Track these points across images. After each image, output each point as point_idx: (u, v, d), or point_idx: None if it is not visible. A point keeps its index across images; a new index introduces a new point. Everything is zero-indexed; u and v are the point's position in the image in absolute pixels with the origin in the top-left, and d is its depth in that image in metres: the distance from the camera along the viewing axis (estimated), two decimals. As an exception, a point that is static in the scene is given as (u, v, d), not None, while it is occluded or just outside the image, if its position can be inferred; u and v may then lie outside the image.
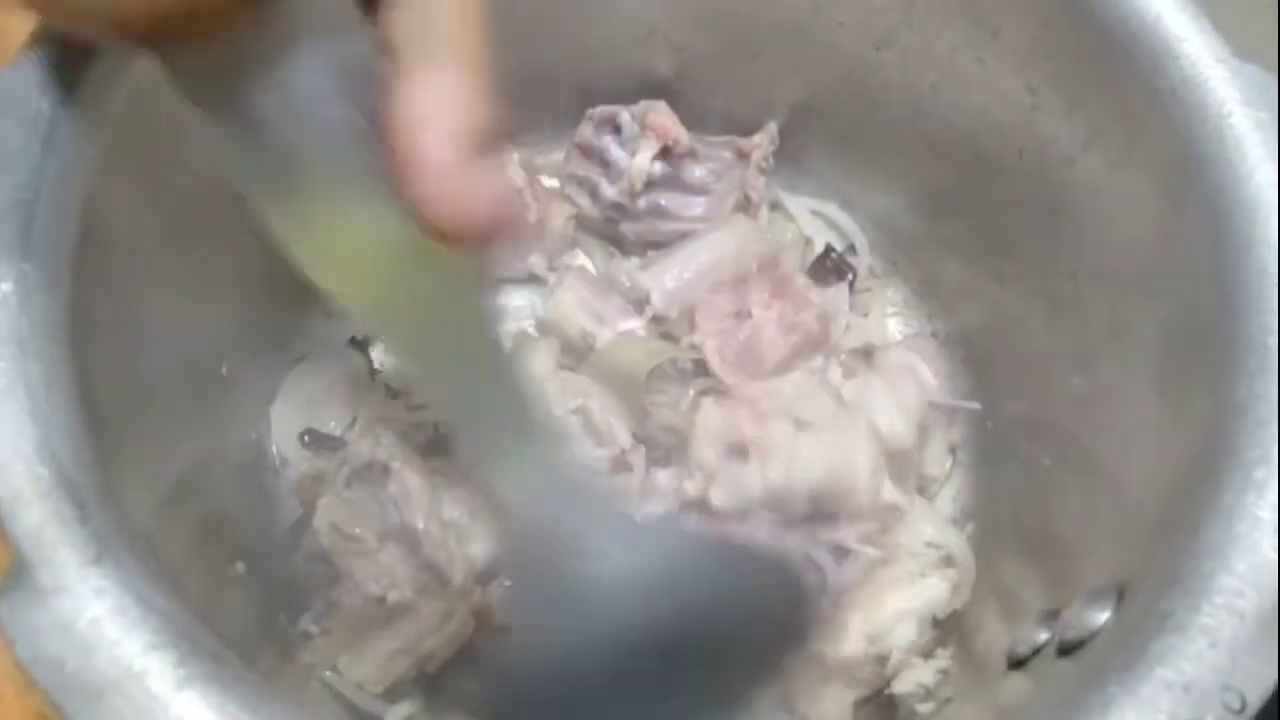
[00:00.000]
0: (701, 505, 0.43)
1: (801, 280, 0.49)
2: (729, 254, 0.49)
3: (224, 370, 0.44)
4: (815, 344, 0.48)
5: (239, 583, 0.40)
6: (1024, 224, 0.44)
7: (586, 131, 0.51)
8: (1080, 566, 0.36)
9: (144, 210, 0.36)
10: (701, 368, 0.47)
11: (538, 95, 0.52)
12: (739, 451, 0.43)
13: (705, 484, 0.43)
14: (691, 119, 0.51)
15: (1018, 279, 0.45)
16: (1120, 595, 0.31)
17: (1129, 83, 0.37)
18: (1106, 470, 0.38)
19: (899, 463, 0.45)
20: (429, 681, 0.43)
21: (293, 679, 0.40)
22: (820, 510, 0.44)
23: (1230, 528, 0.29)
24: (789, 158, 0.53)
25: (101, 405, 0.30)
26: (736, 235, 0.50)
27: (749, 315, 0.47)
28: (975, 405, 0.47)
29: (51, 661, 0.24)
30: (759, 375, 0.46)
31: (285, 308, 0.47)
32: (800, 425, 0.43)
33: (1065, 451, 0.41)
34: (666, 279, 0.49)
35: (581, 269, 0.53)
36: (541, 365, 0.47)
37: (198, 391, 0.41)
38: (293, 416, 0.48)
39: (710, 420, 0.44)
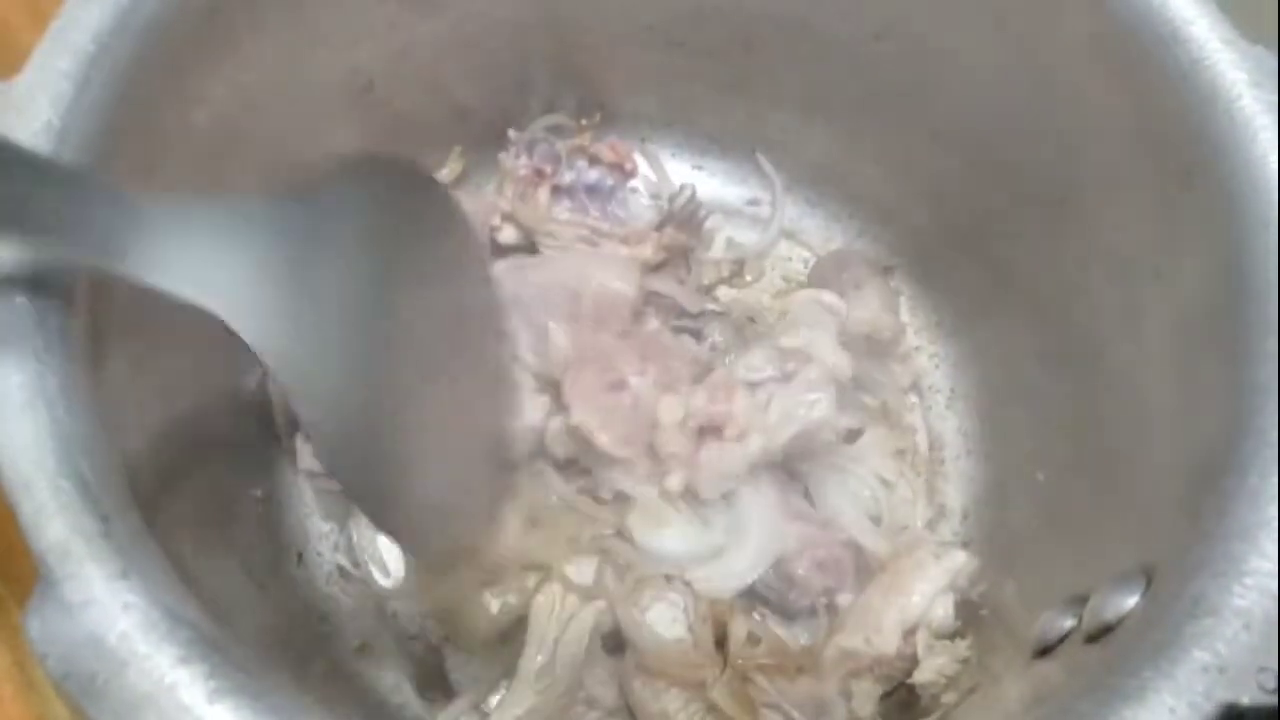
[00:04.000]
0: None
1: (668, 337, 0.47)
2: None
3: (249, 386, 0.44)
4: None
5: (266, 590, 0.40)
6: (1032, 213, 0.44)
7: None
8: (1104, 551, 0.35)
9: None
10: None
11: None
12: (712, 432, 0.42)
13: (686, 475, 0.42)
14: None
15: (1026, 267, 0.45)
16: (1149, 579, 0.31)
17: (1138, 67, 0.37)
18: (1125, 456, 0.38)
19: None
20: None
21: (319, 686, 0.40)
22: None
23: (1259, 510, 0.29)
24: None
25: (123, 418, 0.29)
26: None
27: (625, 386, 0.43)
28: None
29: (84, 676, 0.24)
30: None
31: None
32: (752, 389, 0.43)
33: (1081, 438, 0.41)
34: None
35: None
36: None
37: (224, 408, 0.41)
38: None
39: (672, 411, 0.42)
